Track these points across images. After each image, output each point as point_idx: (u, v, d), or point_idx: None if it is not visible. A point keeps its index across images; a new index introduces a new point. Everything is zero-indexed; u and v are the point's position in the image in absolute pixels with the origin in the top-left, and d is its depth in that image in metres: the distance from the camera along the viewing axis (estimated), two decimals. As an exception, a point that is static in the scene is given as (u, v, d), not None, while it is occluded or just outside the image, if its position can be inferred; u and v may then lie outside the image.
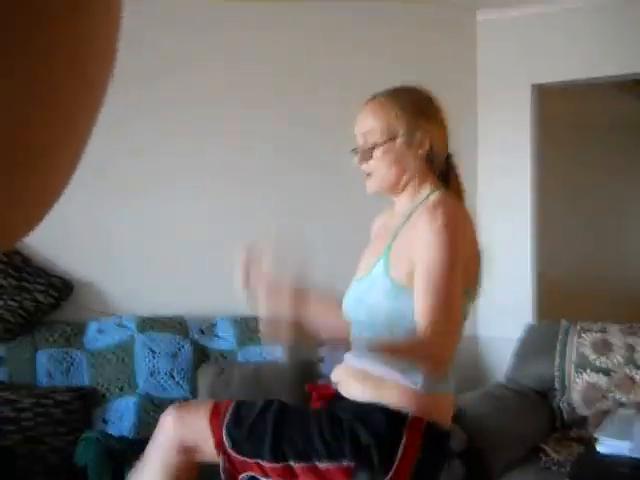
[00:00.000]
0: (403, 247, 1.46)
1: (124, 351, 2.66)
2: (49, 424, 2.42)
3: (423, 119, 1.52)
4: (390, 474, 1.38)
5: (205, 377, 2.64)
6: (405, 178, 1.53)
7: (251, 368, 2.68)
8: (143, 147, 2.89)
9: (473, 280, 1.50)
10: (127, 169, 2.88)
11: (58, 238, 2.86)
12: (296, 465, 1.41)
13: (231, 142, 3.06)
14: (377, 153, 1.51)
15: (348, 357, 1.57)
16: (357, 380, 1.51)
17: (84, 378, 2.62)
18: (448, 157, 1.60)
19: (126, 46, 0.45)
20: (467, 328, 3.36)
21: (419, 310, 1.39)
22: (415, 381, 1.44)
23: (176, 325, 2.76)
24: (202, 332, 2.80)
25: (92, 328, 2.72)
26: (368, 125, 1.53)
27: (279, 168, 3.12)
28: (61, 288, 2.80)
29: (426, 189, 1.54)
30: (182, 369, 2.67)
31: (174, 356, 2.68)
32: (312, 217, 3.14)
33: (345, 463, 1.40)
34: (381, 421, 1.41)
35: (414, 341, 1.40)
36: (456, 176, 1.60)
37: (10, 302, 2.67)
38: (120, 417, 2.58)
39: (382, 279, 1.46)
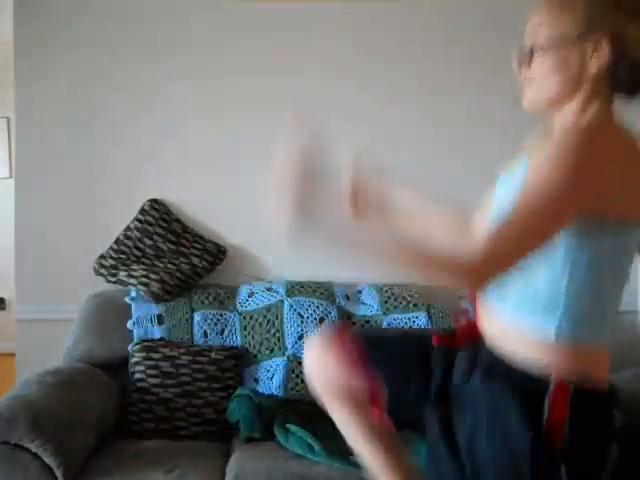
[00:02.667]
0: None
1: (274, 314, 2.75)
2: (204, 380, 2.57)
3: (621, 15, 1.15)
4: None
5: (350, 342, 2.67)
6: (568, 92, 1.20)
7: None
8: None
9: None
10: (273, 145, 2.94)
11: (213, 207, 3.01)
12: None
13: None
14: (540, 56, 1.20)
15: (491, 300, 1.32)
16: (502, 334, 1.28)
17: (237, 339, 2.74)
18: None
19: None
20: (626, 303, 3.17)
21: (489, 228, 1.14)
22: (548, 326, 1.20)
23: (323, 291, 2.82)
24: (347, 298, 2.83)
25: (243, 292, 2.84)
26: (538, 20, 1.22)
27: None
28: (215, 253, 2.94)
29: (591, 112, 1.19)
30: (329, 334, 2.72)
31: (321, 321, 2.73)
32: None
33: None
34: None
35: (454, 258, 1.10)
36: None
37: (169, 265, 2.85)
38: (270, 377, 2.68)
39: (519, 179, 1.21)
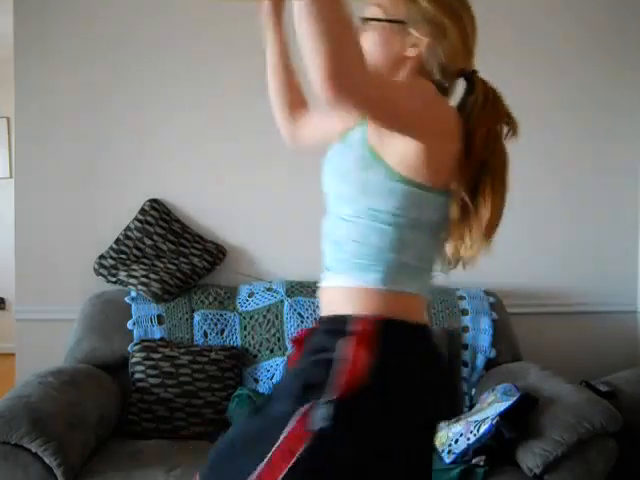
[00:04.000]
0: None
1: (274, 314, 2.76)
2: (204, 380, 2.57)
3: (447, 15, 1.25)
4: (336, 388, 1.15)
5: (350, 342, 2.67)
6: (390, 68, 1.27)
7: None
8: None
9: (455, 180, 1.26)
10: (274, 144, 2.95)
11: (213, 207, 3.01)
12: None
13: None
14: (371, 26, 1.28)
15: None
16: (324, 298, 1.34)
17: (237, 339, 2.74)
18: (469, 76, 1.31)
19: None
20: (627, 303, 3.17)
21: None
22: (369, 279, 1.25)
23: (323, 291, 2.82)
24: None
25: (243, 292, 2.84)
26: None
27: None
28: (215, 253, 2.95)
29: None
30: (328, 334, 2.72)
31: (321, 321, 2.74)
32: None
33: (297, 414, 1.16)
34: (323, 336, 1.25)
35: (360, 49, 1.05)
36: (477, 103, 1.27)
37: (169, 265, 2.85)
38: (270, 376, 2.69)
39: (358, 145, 1.26)
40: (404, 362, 1.22)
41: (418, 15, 1.25)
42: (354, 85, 1.03)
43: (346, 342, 1.19)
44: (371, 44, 1.27)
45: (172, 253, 2.91)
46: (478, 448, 2.19)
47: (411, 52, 1.27)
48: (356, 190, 1.26)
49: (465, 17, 1.29)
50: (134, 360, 2.59)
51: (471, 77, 1.31)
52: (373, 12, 1.29)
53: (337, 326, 1.23)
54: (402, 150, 1.20)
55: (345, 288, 1.28)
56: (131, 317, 2.71)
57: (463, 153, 1.25)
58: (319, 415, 1.14)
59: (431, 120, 1.19)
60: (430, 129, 1.19)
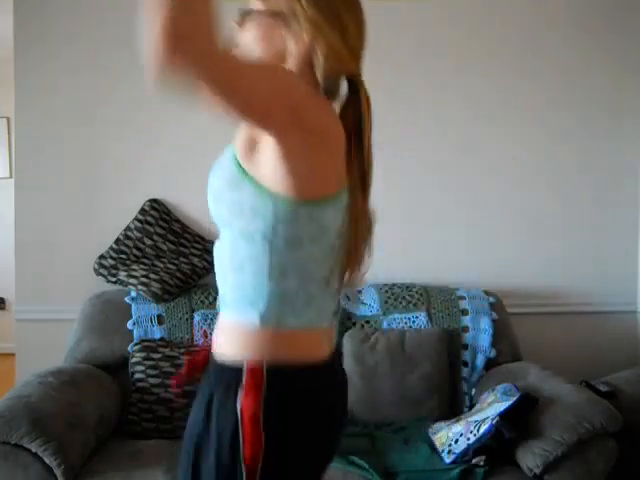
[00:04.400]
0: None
1: (273, 314, 2.75)
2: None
3: (323, 14, 1.18)
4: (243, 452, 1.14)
5: (351, 342, 2.67)
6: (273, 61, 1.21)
7: (396, 335, 2.69)
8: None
9: (335, 184, 1.19)
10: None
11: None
12: None
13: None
14: (251, 20, 1.22)
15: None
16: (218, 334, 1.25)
17: (236, 339, 2.74)
18: (352, 81, 1.23)
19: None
20: (627, 303, 3.17)
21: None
22: (250, 316, 1.18)
23: (323, 291, 2.81)
24: (347, 298, 2.83)
25: (244, 291, 2.83)
26: None
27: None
28: (215, 253, 2.94)
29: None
30: (328, 334, 2.73)
31: (321, 321, 2.74)
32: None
33: None
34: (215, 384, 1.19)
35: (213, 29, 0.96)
36: (355, 110, 1.21)
37: (169, 265, 2.85)
38: (270, 377, 2.68)
39: (229, 163, 1.19)
40: (293, 416, 1.16)
41: (296, 12, 1.18)
42: (195, 48, 0.91)
43: (236, 406, 1.14)
44: (251, 39, 1.22)
45: (172, 253, 2.91)
46: (478, 448, 2.19)
47: (292, 49, 1.20)
48: (230, 212, 1.17)
49: (346, 18, 1.20)
50: (134, 360, 2.59)
51: (354, 80, 1.23)
52: (253, 5, 1.23)
53: (224, 375, 1.18)
54: (268, 161, 1.12)
55: (229, 324, 1.22)
56: (131, 317, 2.70)
57: (348, 157, 1.19)
58: None
59: (295, 111, 1.08)
60: (294, 122, 1.08)
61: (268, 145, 1.11)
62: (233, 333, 1.20)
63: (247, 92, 1.02)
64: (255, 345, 1.18)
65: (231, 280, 1.20)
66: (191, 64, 0.92)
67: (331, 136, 1.16)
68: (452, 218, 3.08)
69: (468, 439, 2.21)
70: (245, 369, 1.15)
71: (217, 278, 1.25)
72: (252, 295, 1.17)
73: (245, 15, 1.23)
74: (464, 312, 2.80)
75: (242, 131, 1.20)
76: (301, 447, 1.18)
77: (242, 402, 1.14)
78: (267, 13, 1.20)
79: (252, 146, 1.15)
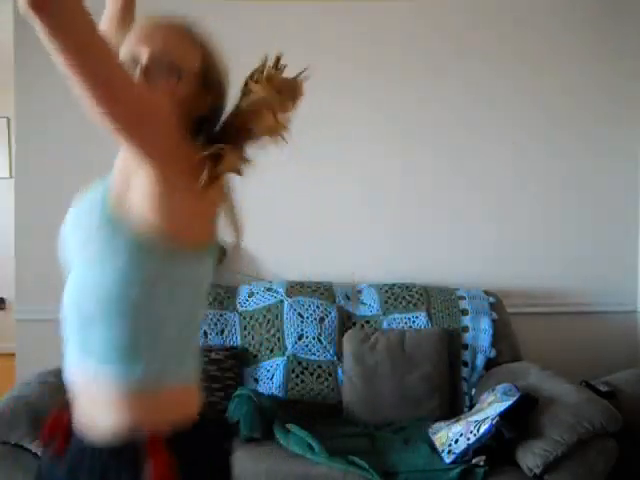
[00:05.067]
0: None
1: (274, 314, 2.76)
2: (204, 380, 2.56)
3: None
4: None
5: (350, 343, 2.67)
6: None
7: (396, 335, 2.69)
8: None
9: (209, 235, 1.16)
10: (273, 148, 2.95)
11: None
12: None
13: (375, 115, 3.04)
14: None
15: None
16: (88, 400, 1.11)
17: (237, 339, 2.74)
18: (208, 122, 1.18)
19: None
20: (627, 303, 3.17)
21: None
22: (130, 376, 1.07)
23: (323, 291, 2.82)
24: (347, 298, 2.83)
25: (243, 292, 2.84)
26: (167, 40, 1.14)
27: (419, 135, 3.07)
28: (215, 253, 2.94)
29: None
30: (329, 334, 2.73)
31: (321, 321, 2.74)
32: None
33: None
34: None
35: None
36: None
37: (170, 265, 2.85)
38: (270, 377, 2.69)
39: (99, 205, 1.12)
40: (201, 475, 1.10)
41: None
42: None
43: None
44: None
45: (172, 253, 2.90)
46: (478, 448, 2.19)
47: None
48: (102, 253, 1.08)
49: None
50: (134, 360, 2.59)
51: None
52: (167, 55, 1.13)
53: (120, 450, 1.06)
54: (141, 202, 1.05)
55: (103, 385, 1.07)
56: (131, 317, 2.70)
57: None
58: None
59: (173, 140, 1.04)
60: (172, 153, 1.04)
61: (148, 182, 1.03)
62: (112, 400, 1.07)
63: (112, 80, 0.95)
64: (144, 411, 1.07)
65: (101, 328, 1.07)
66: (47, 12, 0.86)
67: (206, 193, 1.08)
68: (452, 218, 3.08)
69: (468, 439, 2.21)
70: (145, 440, 1.05)
71: (72, 321, 1.14)
72: (131, 353, 1.06)
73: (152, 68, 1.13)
74: (464, 312, 2.80)
75: (119, 168, 1.14)
76: None
77: (152, 474, 1.03)
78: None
79: (128, 184, 1.07)
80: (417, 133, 3.06)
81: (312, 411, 2.64)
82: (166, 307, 1.08)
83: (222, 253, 2.96)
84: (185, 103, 1.13)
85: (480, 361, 2.75)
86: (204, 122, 1.17)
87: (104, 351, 1.07)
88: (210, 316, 2.73)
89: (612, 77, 3.13)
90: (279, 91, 1.13)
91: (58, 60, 0.92)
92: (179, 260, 1.08)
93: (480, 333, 2.77)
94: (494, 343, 2.76)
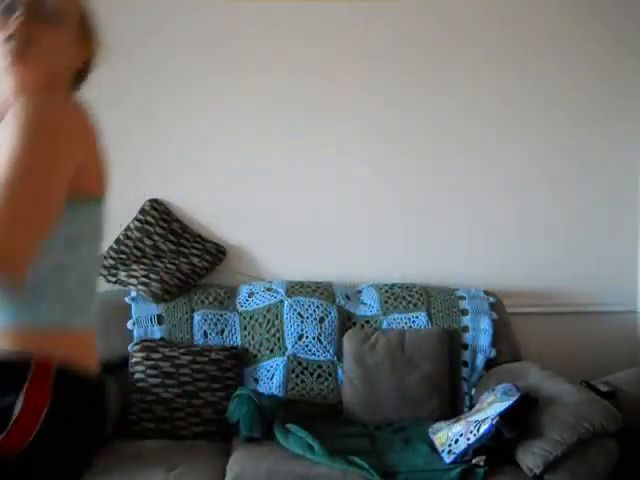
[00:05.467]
0: None
1: (274, 314, 2.76)
2: (204, 380, 2.57)
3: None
4: (4, 434, 1.06)
5: (351, 343, 2.68)
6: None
7: (396, 335, 2.69)
8: (287, 134, 2.96)
9: (99, 185, 1.21)
10: (273, 148, 2.96)
11: (213, 207, 3.01)
12: None
13: (375, 115, 3.04)
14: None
15: None
16: None
17: (237, 339, 2.74)
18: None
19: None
20: (627, 303, 3.17)
21: None
22: (37, 317, 1.14)
23: (323, 291, 2.82)
24: (347, 298, 2.83)
25: (243, 292, 2.84)
26: None
27: (420, 137, 3.07)
28: (215, 253, 2.94)
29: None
30: (329, 334, 2.73)
31: (321, 321, 2.74)
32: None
33: None
34: None
35: None
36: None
37: (169, 265, 2.85)
38: (270, 377, 2.69)
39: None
40: (71, 423, 1.13)
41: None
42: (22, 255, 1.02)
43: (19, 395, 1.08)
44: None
45: (172, 253, 2.91)
46: (478, 448, 2.20)
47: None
48: None
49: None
50: (134, 360, 2.59)
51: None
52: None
53: (8, 369, 1.11)
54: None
55: (9, 326, 1.14)
56: (131, 317, 2.70)
57: None
58: None
59: (66, 155, 1.11)
60: (71, 158, 1.12)
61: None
62: (15, 334, 1.13)
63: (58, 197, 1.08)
64: (41, 345, 1.13)
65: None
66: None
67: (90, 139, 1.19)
68: (452, 218, 3.08)
69: (468, 439, 2.21)
70: (33, 363, 1.10)
71: None
72: (32, 295, 1.13)
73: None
74: (464, 312, 2.80)
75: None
76: (66, 456, 1.15)
77: (28, 392, 1.08)
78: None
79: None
80: (417, 133, 3.06)
81: (312, 411, 2.65)
82: (64, 257, 1.14)
83: (222, 253, 2.97)
84: (67, 54, 1.27)
85: (480, 361, 2.75)
86: (80, 76, 1.34)
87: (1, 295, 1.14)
88: (210, 316, 2.73)
89: (612, 94, 3.13)
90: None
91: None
92: (79, 211, 1.15)
93: (480, 333, 2.77)
94: (494, 343, 2.77)
